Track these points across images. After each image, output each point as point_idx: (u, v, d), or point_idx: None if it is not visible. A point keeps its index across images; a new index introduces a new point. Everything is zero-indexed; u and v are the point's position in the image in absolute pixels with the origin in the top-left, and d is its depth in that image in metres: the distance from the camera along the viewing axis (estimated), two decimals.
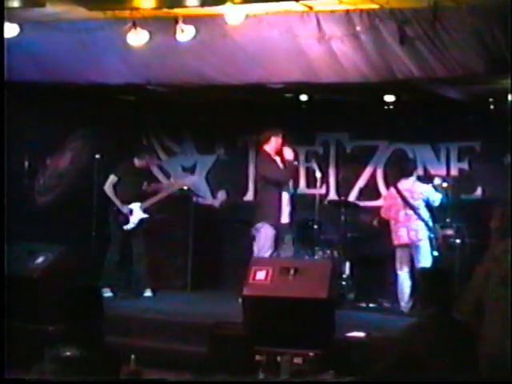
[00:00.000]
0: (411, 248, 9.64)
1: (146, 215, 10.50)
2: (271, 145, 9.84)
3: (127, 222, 10.43)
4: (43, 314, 8.08)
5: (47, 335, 7.46)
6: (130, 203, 10.43)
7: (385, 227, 10.01)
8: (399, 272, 9.68)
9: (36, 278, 8.55)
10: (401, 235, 9.66)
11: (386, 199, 10.18)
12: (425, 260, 9.51)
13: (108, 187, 10.47)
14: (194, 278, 11.27)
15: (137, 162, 10.64)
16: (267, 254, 9.51)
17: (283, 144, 9.86)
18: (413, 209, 9.61)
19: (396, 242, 9.72)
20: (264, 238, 9.59)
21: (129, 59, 8.77)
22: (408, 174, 9.85)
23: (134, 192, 10.53)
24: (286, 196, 9.76)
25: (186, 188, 11.48)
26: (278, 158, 9.82)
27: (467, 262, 9.81)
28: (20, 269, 8.56)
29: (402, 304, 9.55)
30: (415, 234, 9.59)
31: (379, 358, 5.19)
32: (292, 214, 9.84)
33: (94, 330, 4.98)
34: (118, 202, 10.43)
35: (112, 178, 10.49)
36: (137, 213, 10.45)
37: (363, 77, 8.24)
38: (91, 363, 4.79)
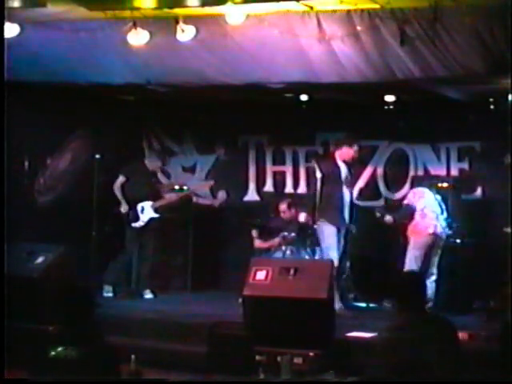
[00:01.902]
0: (433, 247, 9.67)
1: (156, 215, 10.52)
2: (341, 152, 9.75)
3: (137, 219, 10.45)
4: (43, 314, 8.07)
5: (47, 335, 7.45)
6: (138, 202, 10.45)
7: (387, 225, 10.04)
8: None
9: (36, 277, 8.55)
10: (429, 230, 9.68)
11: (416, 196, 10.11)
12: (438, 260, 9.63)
13: (117, 187, 10.51)
14: (194, 278, 11.28)
15: (148, 164, 10.69)
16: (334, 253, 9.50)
17: (351, 155, 9.75)
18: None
19: (427, 232, 9.69)
20: (327, 235, 9.59)
21: (129, 59, 8.77)
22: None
23: (143, 191, 10.54)
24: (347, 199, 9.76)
25: (185, 188, 11.49)
26: (342, 164, 9.70)
27: (467, 261, 9.85)
28: (20, 269, 8.56)
29: None
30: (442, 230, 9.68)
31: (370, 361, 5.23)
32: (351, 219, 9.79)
33: (89, 330, 4.99)
34: (124, 202, 10.44)
35: (121, 179, 10.52)
36: (148, 211, 10.47)
37: (363, 77, 8.24)
38: (89, 363, 4.81)
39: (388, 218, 9.98)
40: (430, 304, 9.23)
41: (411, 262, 9.58)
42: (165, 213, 10.76)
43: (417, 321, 5.17)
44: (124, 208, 10.43)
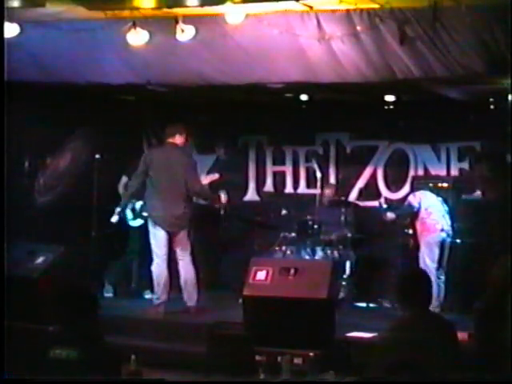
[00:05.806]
0: (444, 244, 9.69)
1: None
2: (175, 140, 9.58)
3: (134, 218, 10.45)
4: (43, 314, 8.07)
5: (47, 335, 7.45)
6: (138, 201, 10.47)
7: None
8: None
9: (36, 277, 8.55)
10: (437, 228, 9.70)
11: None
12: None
13: (121, 188, 10.55)
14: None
15: None
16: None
17: (185, 142, 9.70)
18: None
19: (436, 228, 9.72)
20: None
21: (129, 59, 8.77)
22: None
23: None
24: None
25: None
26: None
27: (467, 261, 9.85)
28: (20, 269, 8.56)
29: None
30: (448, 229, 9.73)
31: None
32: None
33: (89, 330, 4.99)
34: (126, 200, 10.43)
35: (124, 180, 10.55)
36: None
37: (363, 77, 8.24)
38: (89, 363, 4.80)
39: (390, 214, 10.00)
40: (438, 304, 9.25)
41: (424, 262, 9.56)
42: None
43: (419, 320, 5.17)
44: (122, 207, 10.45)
